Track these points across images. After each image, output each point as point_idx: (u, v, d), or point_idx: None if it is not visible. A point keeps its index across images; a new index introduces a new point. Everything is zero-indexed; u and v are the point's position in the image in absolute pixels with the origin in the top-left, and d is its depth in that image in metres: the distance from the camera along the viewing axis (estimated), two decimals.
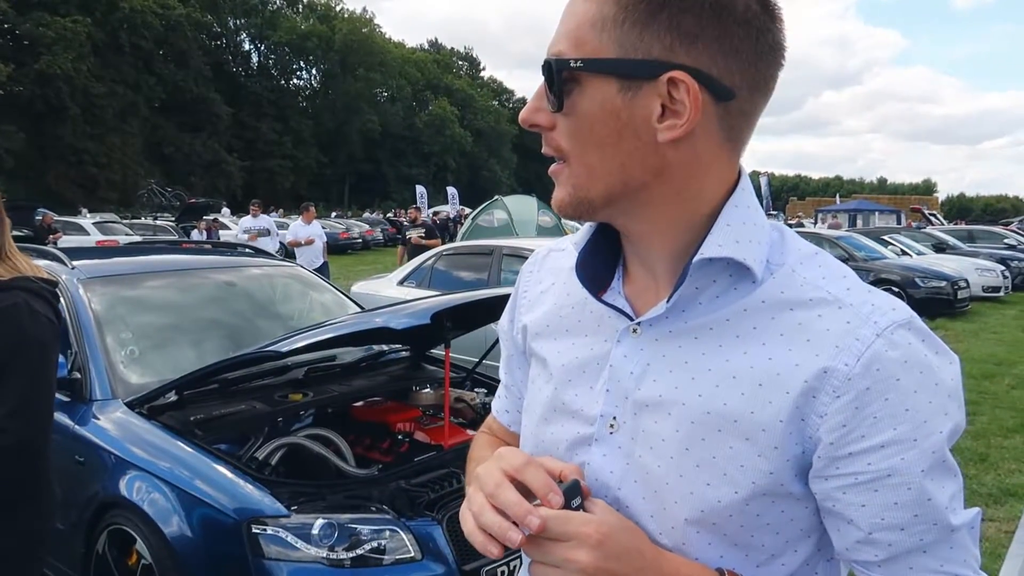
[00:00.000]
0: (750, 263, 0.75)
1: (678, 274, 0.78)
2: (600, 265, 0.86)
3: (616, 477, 0.80)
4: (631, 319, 0.82)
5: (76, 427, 2.87)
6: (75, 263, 3.51)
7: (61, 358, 2.93)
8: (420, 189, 30.13)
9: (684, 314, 0.79)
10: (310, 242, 10.75)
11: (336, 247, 28.91)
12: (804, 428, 0.73)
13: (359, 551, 2.35)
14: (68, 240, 16.42)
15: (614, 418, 0.81)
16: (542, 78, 0.78)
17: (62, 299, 3.25)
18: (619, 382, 0.81)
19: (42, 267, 3.49)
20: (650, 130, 0.73)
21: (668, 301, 0.78)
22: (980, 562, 0.76)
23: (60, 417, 2.94)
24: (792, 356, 0.74)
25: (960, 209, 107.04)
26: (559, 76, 0.75)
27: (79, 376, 3.00)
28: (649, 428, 0.79)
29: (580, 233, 0.88)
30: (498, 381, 1.09)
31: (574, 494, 0.74)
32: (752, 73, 0.74)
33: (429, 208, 32.02)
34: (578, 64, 0.74)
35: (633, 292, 0.84)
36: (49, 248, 4.06)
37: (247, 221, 11.66)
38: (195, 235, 17.77)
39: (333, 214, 43.41)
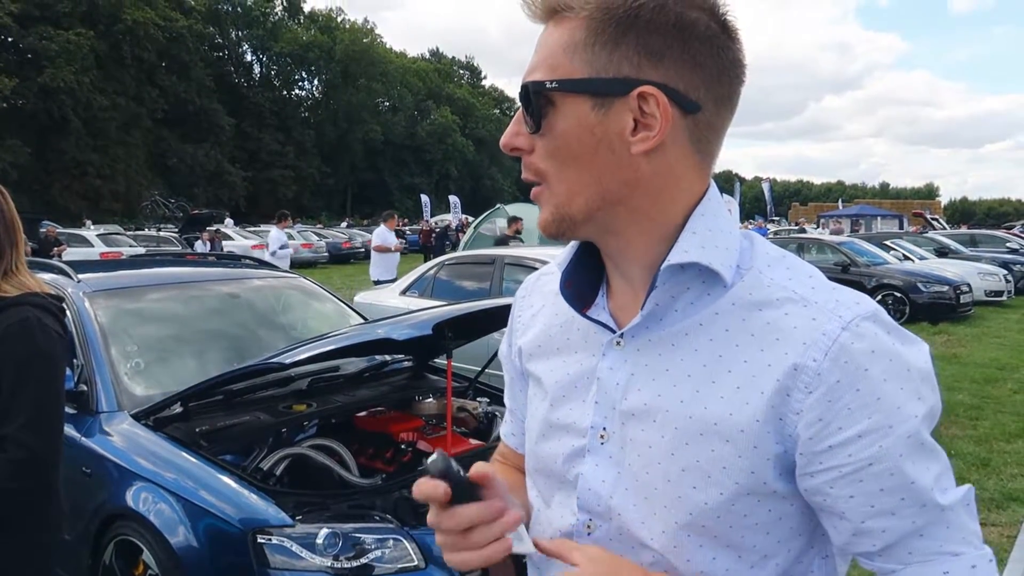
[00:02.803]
0: (716, 267, 0.78)
1: (648, 282, 0.82)
2: (584, 283, 0.89)
3: (608, 486, 0.83)
4: (614, 332, 0.85)
5: (83, 439, 2.90)
6: (81, 276, 3.55)
7: (68, 371, 2.97)
8: (424, 198, 30.16)
9: (662, 322, 0.82)
10: (399, 248, 10.96)
11: (339, 256, 28.99)
12: (783, 427, 0.76)
13: (363, 560, 2.37)
14: (72, 252, 16.46)
15: (604, 429, 0.84)
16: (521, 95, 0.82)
17: (68, 312, 3.30)
18: (607, 393, 0.84)
19: (48, 281, 3.55)
20: (624, 143, 0.78)
21: (643, 309, 0.81)
22: (981, 536, 0.78)
23: (67, 429, 2.95)
24: (764, 356, 0.77)
25: (963, 213, 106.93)
26: (536, 98, 0.79)
27: (85, 388, 3.03)
28: (637, 436, 0.82)
29: (563, 253, 0.92)
30: (500, 390, 1.13)
31: (446, 469, 0.77)
32: (716, 87, 0.79)
33: (432, 217, 31.99)
34: (553, 85, 0.78)
35: (616, 307, 0.88)
36: (55, 262, 4.09)
37: (281, 235, 11.66)
38: (199, 246, 17.79)
39: (344, 223, 43.49)
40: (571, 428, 0.87)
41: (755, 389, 0.76)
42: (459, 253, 9.49)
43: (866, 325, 0.75)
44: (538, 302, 0.99)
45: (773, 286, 0.80)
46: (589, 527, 0.85)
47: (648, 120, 0.77)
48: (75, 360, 3.12)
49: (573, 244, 0.91)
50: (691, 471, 0.79)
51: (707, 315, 0.80)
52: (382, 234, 11.00)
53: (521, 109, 0.82)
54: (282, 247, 11.27)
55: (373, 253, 10.93)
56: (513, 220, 11.68)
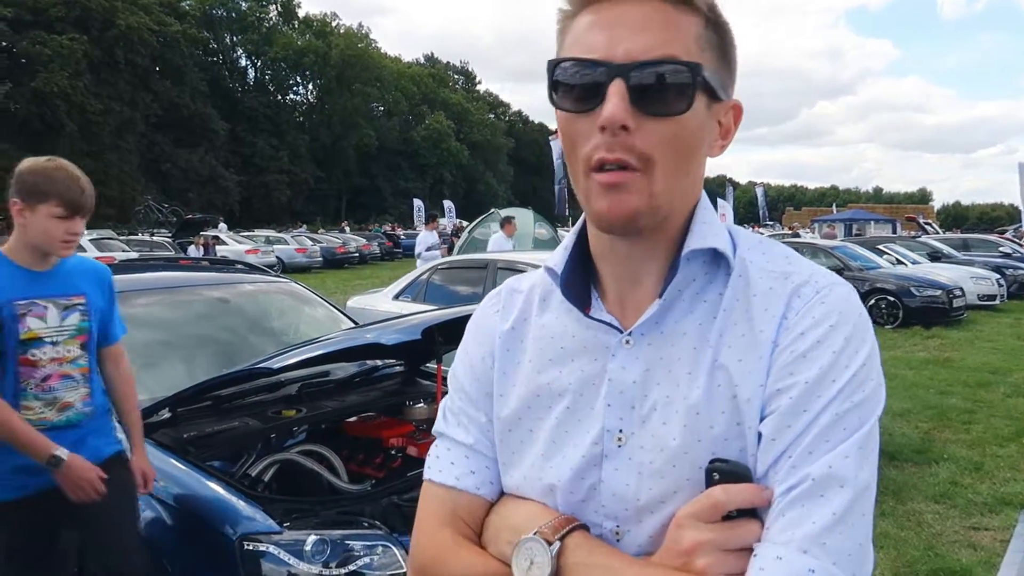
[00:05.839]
0: (728, 253, 0.82)
1: (664, 276, 0.83)
2: (579, 287, 0.88)
3: (632, 488, 0.80)
4: (621, 332, 0.84)
5: None
6: None
7: None
8: (418, 203, 30.16)
9: (671, 314, 0.82)
10: (444, 252, 11.29)
11: (333, 261, 28.98)
12: (769, 370, 0.78)
13: (351, 567, 2.34)
14: None
15: (620, 431, 0.82)
16: (647, 71, 0.75)
17: None
18: (622, 394, 0.82)
19: None
20: (710, 146, 0.84)
21: (660, 298, 0.82)
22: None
23: None
24: (759, 326, 0.79)
25: (956, 217, 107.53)
26: (695, 80, 0.77)
27: None
28: (659, 432, 0.80)
29: (556, 256, 0.90)
30: None
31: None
32: None
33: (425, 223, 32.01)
34: (707, 72, 0.78)
35: (616, 309, 0.86)
36: None
37: (430, 237, 11.86)
38: (192, 251, 17.76)
39: (344, 226, 43.51)
40: (581, 438, 0.84)
41: (756, 357, 0.78)
42: (452, 257, 9.48)
43: (838, 290, 0.80)
44: (522, 346, 0.93)
45: (754, 267, 0.83)
46: (618, 533, 0.81)
47: (725, 128, 0.85)
48: None
49: (566, 247, 0.90)
50: (706, 460, 0.78)
51: (712, 303, 0.82)
52: (426, 239, 11.29)
53: (630, 86, 0.75)
54: (428, 248, 11.46)
55: (419, 261, 11.07)
56: (507, 221, 11.68)
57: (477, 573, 0.84)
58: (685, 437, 0.78)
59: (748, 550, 0.72)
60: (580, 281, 0.88)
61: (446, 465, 0.91)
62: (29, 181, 2.25)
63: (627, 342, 0.83)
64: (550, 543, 0.78)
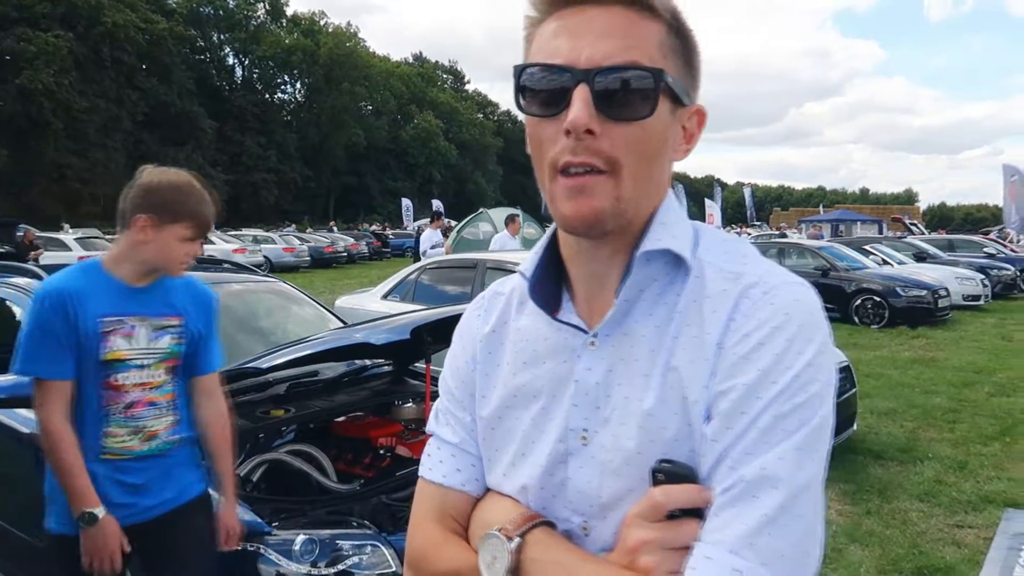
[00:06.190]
0: (684, 254, 0.83)
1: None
2: (549, 291, 0.90)
3: (595, 486, 0.83)
4: (586, 333, 0.85)
5: None
6: None
7: None
8: (406, 203, 30.11)
9: (632, 316, 0.84)
10: (448, 250, 11.33)
11: (321, 261, 28.88)
12: (714, 372, 0.78)
13: (340, 567, 2.35)
14: (50, 256, 16.25)
15: (584, 430, 0.84)
16: (611, 77, 0.77)
17: None
18: (586, 395, 0.84)
19: (23, 285, 3.49)
20: (674, 150, 0.86)
21: (617, 299, 0.83)
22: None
23: None
24: (708, 328, 0.79)
25: (941, 218, 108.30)
26: (658, 85, 0.79)
27: None
28: (618, 432, 0.81)
29: (528, 259, 0.92)
30: None
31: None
32: None
33: (415, 221, 31.93)
34: (669, 78, 0.80)
35: (584, 311, 0.88)
36: (30, 266, 4.03)
37: (435, 235, 11.83)
38: None
39: (332, 225, 43.34)
40: (549, 436, 0.87)
41: (703, 359, 0.78)
42: (441, 257, 9.47)
43: (786, 289, 0.79)
44: (500, 348, 0.95)
45: (712, 267, 0.83)
46: (585, 529, 0.84)
47: (689, 133, 0.87)
48: None
49: (538, 251, 0.91)
50: (663, 454, 0.79)
51: (670, 303, 0.82)
52: (430, 237, 11.29)
53: (594, 91, 0.77)
54: (433, 246, 11.46)
55: (424, 258, 11.06)
56: (511, 219, 11.63)
57: (460, 566, 0.87)
58: (640, 438, 0.80)
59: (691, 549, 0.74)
60: (551, 284, 0.90)
61: (436, 463, 0.95)
62: (165, 198, 2.08)
63: (592, 344, 0.85)
64: (510, 539, 0.81)
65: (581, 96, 0.76)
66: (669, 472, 0.76)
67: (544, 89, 0.80)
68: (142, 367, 2.14)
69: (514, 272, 0.98)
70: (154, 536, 2.17)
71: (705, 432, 0.76)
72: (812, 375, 0.75)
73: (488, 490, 0.93)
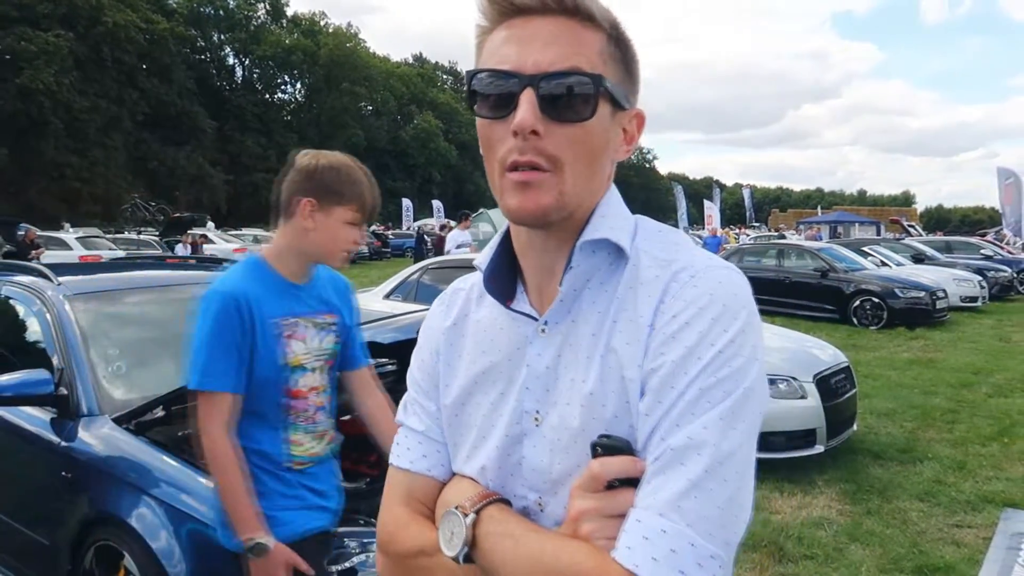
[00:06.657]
0: (623, 243, 0.88)
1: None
2: (504, 282, 0.96)
3: (546, 463, 0.89)
4: (537, 320, 0.92)
5: (63, 443, 2.87)
6: (61, 279, 3.52)
7: (47, 374, 2.95)
8: (406, 203, 30.12)
9: (578, 303, 0.90)
10: (474, 249, 11.45)
11: None
12: (646, 351, 0.84)
13: (347, 564, 2.36)
14: (51, 255, 16.28)
15: (537, 412, 0.90)
16: (555, 82, 0.84)
17: (48, 315, 3.27)
18: (537, 378, 0.91)
19: (27, 283, 3.51)
20: (615, 150, 0.92)
21: (561, 288, 0.89)
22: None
23: (47, 433, 2.95)
24: (641, 311, 0.85)
25: (938, 220, 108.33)
26: (598, 89, 0.85)
27: (66, 392, 3.00)
28: (564, 412, 0.88)
29: (483, 255, 0.98)
30: None
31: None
32: None
33: (415, 222, 31.92)
34: (608, 83, 0.86)
35: (536, 300, 0.95)
36: (34, 264, 4.05)
37: (461, 235, 11.91)
38: (179, 250, 17.68)
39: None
40: (505, 418, 0.93)
41: (638, 342, 0.84)
42: (443, 257, 9.49)
43: (712, 273, 0.84)
44: (463, 342, 1.01)
45: (648, 255, 0.89)
46: (540, 504, 0.90)
47: (630, 135, 0.93)
48: (55, 364, 3.09)
49: (493, 246, 0.98)
50: (604, 431, 0.85)
51: (611, 290, 0.88)
52: (456, 237, 11.37)
53: (539, 95, 0.83)
54: (459, 246, 11.53)
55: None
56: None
57: (423, 544, 0.93)
58: (584, 417, 0.86)
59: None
60: (506, 276, 0.97)
61: (404, 451, 1.02)
62: (328, 179, 1.97)
63: (542, 331, 0.91)
64: (466, 515, 0.87)
65: (527, 99, 0.83)
66: (606, 446, 0.82)
67: (494, 93, 0.86)
68: (313, 370, 2.07)
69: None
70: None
71: (640, 408, 0.81)
72: (735, 351, 0.80)
73: (454, 474, 0.98)
